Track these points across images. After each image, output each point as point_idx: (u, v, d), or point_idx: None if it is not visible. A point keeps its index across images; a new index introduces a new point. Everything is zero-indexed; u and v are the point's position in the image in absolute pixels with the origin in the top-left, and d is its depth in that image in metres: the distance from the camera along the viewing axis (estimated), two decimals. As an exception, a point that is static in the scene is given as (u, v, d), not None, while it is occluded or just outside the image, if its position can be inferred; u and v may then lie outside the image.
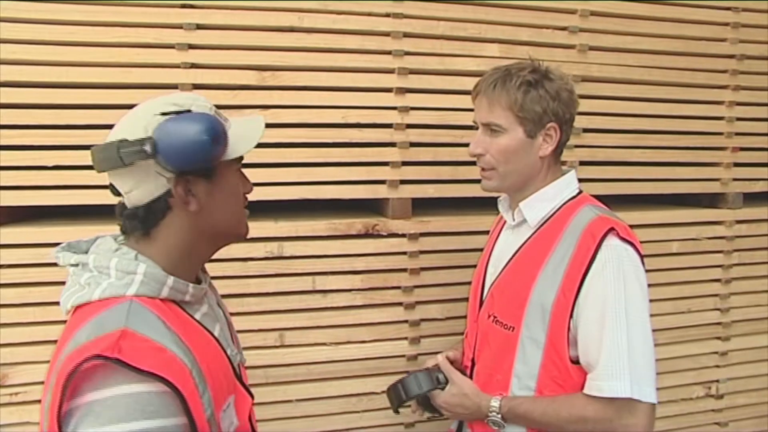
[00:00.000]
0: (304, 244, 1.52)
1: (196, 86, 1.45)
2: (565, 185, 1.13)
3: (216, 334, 0.83)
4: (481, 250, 1.62)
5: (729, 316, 1.88)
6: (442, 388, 1.16)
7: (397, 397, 1.20)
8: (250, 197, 0.91)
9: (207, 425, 0.70)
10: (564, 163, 1.28)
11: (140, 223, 0.77)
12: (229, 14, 1.45)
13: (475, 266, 1.63)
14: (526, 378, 1.06)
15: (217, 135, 0.74)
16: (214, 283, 0.99)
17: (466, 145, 1.57)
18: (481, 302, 1.20)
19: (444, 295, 1.64)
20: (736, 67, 1.82)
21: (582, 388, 1.02)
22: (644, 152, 1.77)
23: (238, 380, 0.86)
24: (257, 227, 1.49)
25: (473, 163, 1.59)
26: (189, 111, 0.76)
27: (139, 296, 0.72)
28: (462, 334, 1.62)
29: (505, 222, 1.23)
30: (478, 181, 1.60)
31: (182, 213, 0.78)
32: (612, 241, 1.01)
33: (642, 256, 1.04)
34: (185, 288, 0.78)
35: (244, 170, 0.89)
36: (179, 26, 1.42)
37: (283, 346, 1.54)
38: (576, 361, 1.03)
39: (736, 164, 1.86)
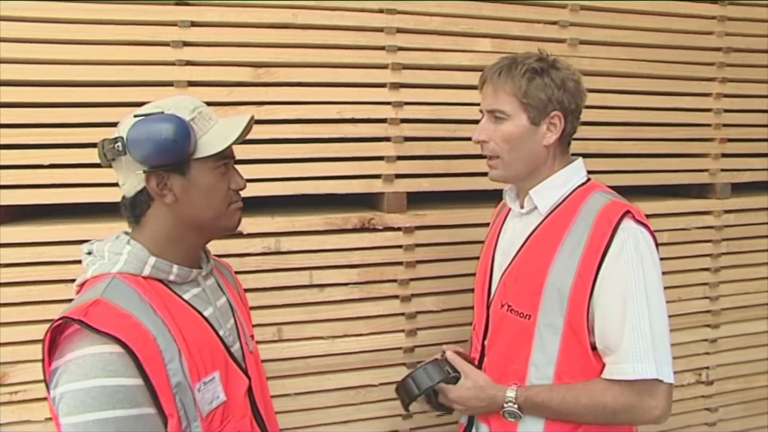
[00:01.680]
0: (300, 239, 1.54)
1: (191, 83, 1.45)
2: (574, 172, 1.13)
3: (207, 314, 0.90)
4: (476, 242, 1.64)
5: (718, 304, 1.92)
6: (454, 381, 1.13)
7: (408, 393, 1.15)
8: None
9: (170, 390, 0.76)
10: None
11: (130, 213, 0.89)
12: (224, 11, 1.45)
13: (470, 258, 1.65)
14: (544, 366, 1.04)
15: (178, 135, 0.80)
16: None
17: (460, 139, 1.63)
18: (489, 292, 1.19)
19: (439, 288, 1.65)
20: (723, 59, 1.84)
21: (599, 375, 1.01)
22: (635, 144, 1.79)
23: (233, 360, 0.91)
24: (254, 223, 1.50)
25: (466, 157, 1.64)
26: (161, 113, 0.83)
27: (123, 273, 0.82)
28: (458, 325, 1.67)
29: (508, 211, 1.23)
30: (471, 175, 1.66)
31: (162, 204, 0.86)
32: (628, 223, 1.01)
33: (656, 239, 1.05)
34: (168, 268, 0.87)
35: (241, 166, 0.94)
36: (174, 23, 1.43)
37: (280, 340, 1.55)
38: (595, 347, 1.02)
39: (724, 155, 1.89)
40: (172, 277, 0.87)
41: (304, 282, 1.55)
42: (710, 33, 1.83)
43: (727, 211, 1.90)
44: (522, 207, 1.17)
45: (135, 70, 1.43)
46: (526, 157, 1.10)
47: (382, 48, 1.55)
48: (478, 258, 1.68)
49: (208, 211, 0.88)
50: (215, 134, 0.87)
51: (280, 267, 1.53)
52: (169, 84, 1.44)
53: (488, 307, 1.18)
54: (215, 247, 1.44)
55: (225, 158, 0.89)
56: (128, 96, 1.41)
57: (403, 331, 1.64)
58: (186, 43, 1.44)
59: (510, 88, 1.07)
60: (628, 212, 1.02)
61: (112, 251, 0.85)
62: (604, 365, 1.02)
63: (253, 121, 0.94)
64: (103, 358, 0.72)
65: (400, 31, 1.56)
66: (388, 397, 1.62)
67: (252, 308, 1.51)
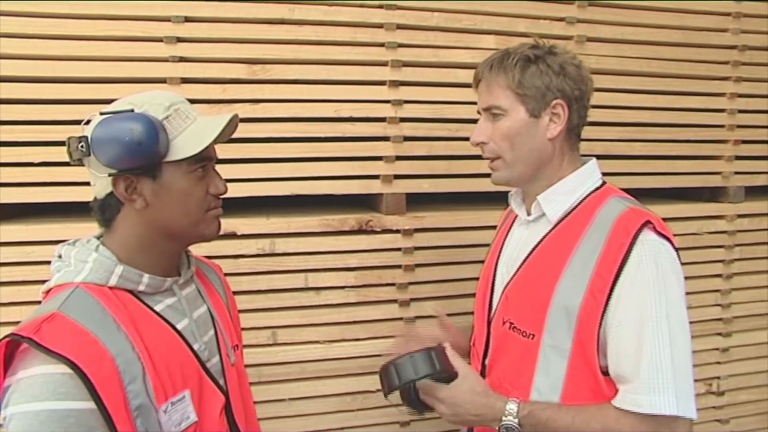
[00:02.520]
0: (296, 240, 1.51)
1: (185, 80, 1.43)
2: (587, 176, 1.02)
3: (180, 327, 0.84)
4: (478, 245, 1.61)
5: (730, 311, 1.86)
6: (445, 380, 0.98)
7: (388, 381, 0.98)
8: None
9: (128, 413, 0.71)
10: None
11: (100, 216, 0.84)
12: (218, 6, 1.42)
13: (471, 262, 1.62)
14: (548, 392, 0.94)
15: (145, 137, 0.75)
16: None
17: (462, 139, 1.59)
18: (491, 306, 1.09)
19: (439, 292, 1.62)
20: (738, 58, 1.79)
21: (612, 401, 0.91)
22: (644, 145, 1.74)
23: (209, 376, 0.86)
24: (248, 223, 1.48)
25: (469, 158, 1.60)
26: (131, 111, 0.78)
27: (87, 283, 0.77)
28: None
29: (515, 217, 1.13)
30: (473, 176, 1.61)
31: (133, 209, 0.81)
32: (648, 235, 0.90)
33: (678, 252, 0.94)
34: (138, 278, 0.81)
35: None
36: (167, 19, 1.40)
37: (275, 344, 1.52)
38: (607, 372, 0.92)
39: (738, 157, 1.84)
40: (142, 288, 0.82)
41: (299, 285, 1.52)
42: (724, 30, 1.77)
43: (740, 216, 1.84)
44: (529, 213, 1.06)
45: (127, 67, 1.40)
46: (529, 155, 0.99)
47: (381, 44, 1.52)
48: (480, 262, 1.64)
49: (183, 218, 0.83)
50: (191, 135, 0.81)
51: (275, 269, 1.50)
52: (162, 81, 1.42)
53: (489, 323, 1.08)
54: (207, 248, 1.42)
55: (202, 160, 0.83)
56: (120, 93, 1.31)
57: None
58: (179, 39, 1.42)
59: (503, 80, 0.98)
60: (648, 222, 0.91)
61: (78, 258, 0.80)
62: (616, 391, 0.92)
63: (238, 120, 0.89)
64: (54, 379, 0.67)
65: (400, 27, 1.52)
66: (386, 403, 1.56)
67: (246, 311, 1.50)
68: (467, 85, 1.55)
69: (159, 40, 1.40)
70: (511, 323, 1.00)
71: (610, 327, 0.90)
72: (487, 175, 1.59)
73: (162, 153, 0.79)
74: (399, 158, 1.56)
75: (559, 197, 1.01)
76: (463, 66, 1.57)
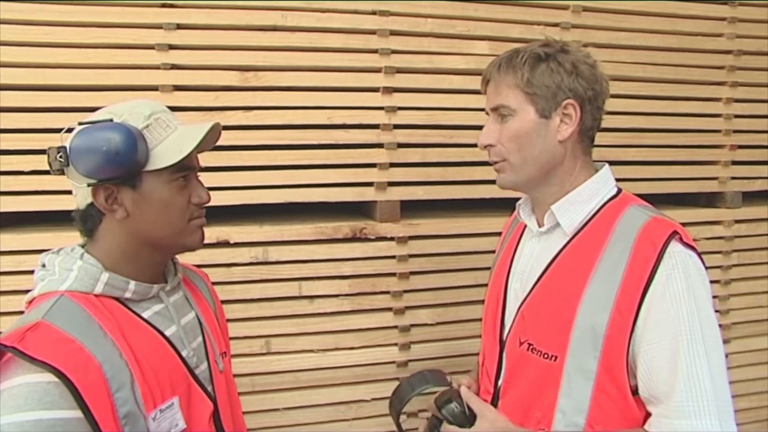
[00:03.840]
0: (289, 248, 1.49)
1: (177, 87, 1.42)
2: (602, 183, 0.96)
3: (168, 333, 0.84)
4: (473, 253, 1.60)
5: (728, 318, 1.85)
6: (466, 422, 0.96)
7: (395, 410, 1.03)
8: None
9: (116, 421, 0.70)
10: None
11: (81, 226, 0.83)
12: (211, 13, 1.42)
13: (467, 269, 1.61)
14: (573, 413, 0.88)
15: (122, 146, 0.74)
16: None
17: (457, 145, 1.59)
18: (503, 323, 1.02)
19: (434, 300, 1.60)
20: (734, 63, 1.78)
21: (642, 423, 0.86)
22: (639, 151, 1.73)
23: (197, 383, 0.85)
24: (241, 231, 1.47)
25: (463, 164, 1.59)
26: (110, 121, 0.77)
27: (72, 291, 0.76)
28: (454, 339, 1.62)
29: (524, 226, 1.05)
30: (468, 183, 1.60)
31: (114, 220, 0.80)
32: (675, 247, 0.85)
33: (705, 263, 0.90)
34: (124, 285, 0.80)
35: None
36: (159, 26, 1.40)
37: (269, 353, 1.51)
38: (636, 392, 0.87)
39: (735, 162, 1.83)
40: (128, 295, 0.81)
41: (293, 293, 1.51)
42: (720, 35, 1.77)
43: (737, 221, 1.83)
44: (540, 224, 0.99)
45: (119, 74, 1.40)
46: (538, 157, 0.93)
47: (374, 51, 1.51)
48: (476, 269, 1.64)
49: (164, 228, 0.82)
50: (171, 144, 0.80)
51: (269, 277, 1.49)
52: (154, 89, 1.41)
53: (502, 343, 1.01)
54: (200, 256, 1.41)
55: (183, 170, 0.82)
56: (111, 101, 1.30)
57: (396, 344, 1.59)
58: (172, 46, 1.41)
59: (512, 79, 0.92)
60: (675, 233, 0.86)
61: (62, 266, 0.79)
62: (646, 411, 0.86)
63: (221, 128, 0.87)
64: (39, 388, 0.66)
65: (393, 33, 1.52)
66: (381, 412, 1.57)
67: (240, 320, 1.49)
68: (461, 92, 1.58)
69: (151, 47, 1.40)
70: (530, 344, 0.93)
71: (639, 345, 0.84)
72: (483, 182, 1.61)
73: (142, 162, 0.78)
74: (393, 165, 1.55)
75: (574, 207, 0.94)
76: (457, 72, 1.56)
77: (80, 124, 0.77)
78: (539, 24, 1.61)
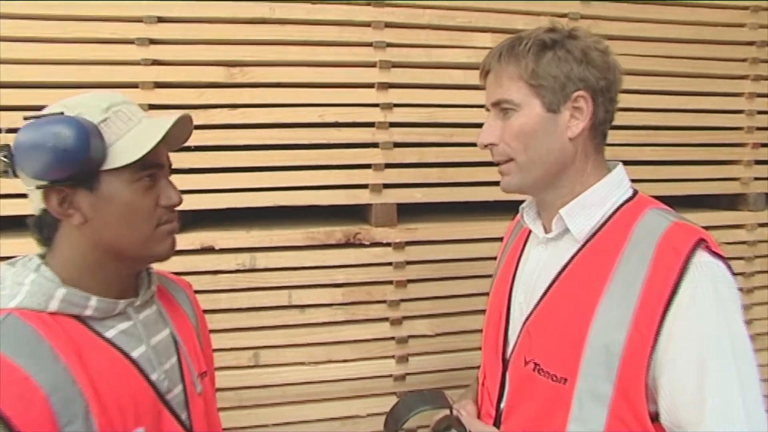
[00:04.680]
0: (278, 255, 1.45)
1: (158, 84, 1.38)
2: (616, 184, 0.88)
3: (135, 355, 0.76)
4: (474, 259, 1.55)
5: (751, 328, 1.75)
6: None
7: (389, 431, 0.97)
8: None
9: None
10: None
11: (38, 235, 0.76)
12: (194, 5, 1.37)
13: (467, 277, 1.55)
14: None
15: (71, 142, 0.67)
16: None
17: (456, 144, 1.53)
18: (506, 340, 0.96)
19: (433, 310, 1.55)
20: (757, 54, 1.72)
21: None
22: (655, 150, 1.67)
23: (168, 409, 0.78)
24: (227, 237, 1.42)
25: (463, 165, 1.53)
26: (60, 114, 0.70)
27: (22, 309, 0.69)
28: (454, 351, 1.56)
29: (529, 231, 0.98)
30: (469, 185, 1.54)
31: (72, 226, 0.73)
32: (702, 257, 0.78)
33: (734, 275, 0.82)
34: (84, 302, 0.73)
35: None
36: (139, 19, 1.35)
37: (257, 366, 1.47)
38: (656, 418, 0.80)
39: (758, 162, 1.77)
40: (89, 312, 0.73)
41: (282, 302, 1.46)
42: (742, 25, 1.71)
43: (761, 225, 1.76)
44: (547, 230, 0.93)
45: (97, 71, 1.35)
46: (546, 157, 0.86)
47: (369, 44, 1.46)
48: (477, 277, 1.58)
49: (128, 235, 0.75)
50: (132, 139, 0.72)
51: (256, 286, 1.45)
52: (134, 85, 1.37)
53: (505, 362, 0.95)
54: (182, 263, 1.35)
55: (148, 167, 0.74)
56: None
57: (393, 357, 1.53)
58: (152, 41, 1.37)
59: (514, 70, 0.84)
60: (701, 240, 0.79)
61: (15, 280, 0.72)
62: None
63: (192, 122, 0.80)
64: None
65: (389, 25, 1.47)
66: (377, 428, 1.50)
67: (226, 331, 1.43)
68: (462, 87, 1.51)
69: (130, 41, 1.35)
70: (536, 364, 0.87)
71: (662, 367, 0.77)
72: (485, 184, 1.54)
73: (98, 160, 0.70)
74: (389, 166, 1.50)
75: (586, 210, 0.87)
76: (457, 66, 1.51)
77: (26, 119, 0.71)
78: (545, 15, 1.54)
